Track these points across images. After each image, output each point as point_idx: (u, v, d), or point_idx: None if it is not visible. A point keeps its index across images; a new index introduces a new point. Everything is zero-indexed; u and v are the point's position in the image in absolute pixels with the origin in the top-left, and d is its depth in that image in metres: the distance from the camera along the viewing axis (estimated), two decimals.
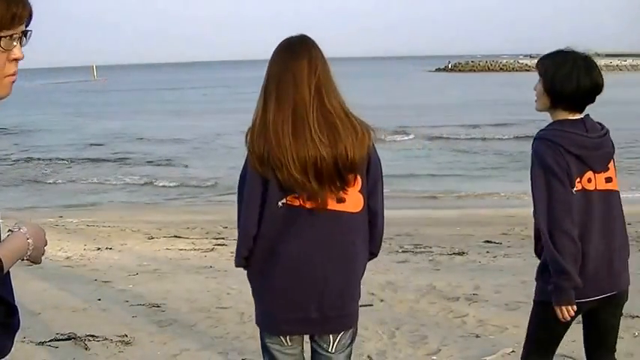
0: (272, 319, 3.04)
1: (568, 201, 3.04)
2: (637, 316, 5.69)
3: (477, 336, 5.44)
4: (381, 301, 6.49)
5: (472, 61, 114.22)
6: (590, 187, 3.14)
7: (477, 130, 30.50)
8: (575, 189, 3.08)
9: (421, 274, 7.66)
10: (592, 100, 3.16)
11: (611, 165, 3.22)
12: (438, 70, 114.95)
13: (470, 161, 22.98)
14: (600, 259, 3.18)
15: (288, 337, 3.06)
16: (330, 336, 3.06)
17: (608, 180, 3.21)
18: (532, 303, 3.41)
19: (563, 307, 3.12)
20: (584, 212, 3.12)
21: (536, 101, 3.21)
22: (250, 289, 3.13)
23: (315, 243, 2.89)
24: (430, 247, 9.64)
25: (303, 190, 2.81)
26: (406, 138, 28.69)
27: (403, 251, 9.35)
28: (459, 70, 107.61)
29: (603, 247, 3.18)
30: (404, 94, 58.18)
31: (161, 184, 19.86)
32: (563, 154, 3.05)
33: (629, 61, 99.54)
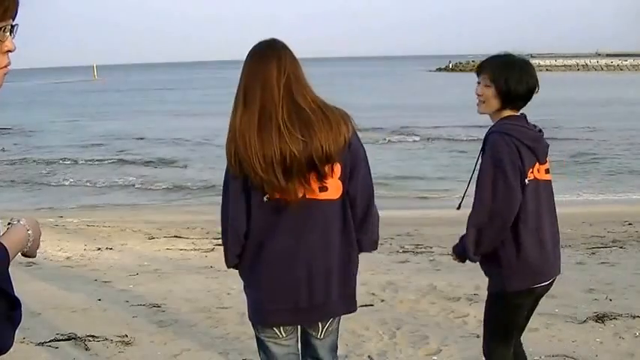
0: (263, 312, 3.08)
1: (511, 196, 3.23)
2: (637, 317, 5.69)
3: (478, 336, 5.41)
4: (382, 301, 6.49)
5: (473, 61, 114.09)
6: (539, 177, 3.36)
7: (477, 131, 30.48)
8: (527, 179, 3.28)
9: (422, 274, 7.65)
10: (530, 99, 3.43)
11: (548, 157, 3.45)
12: (439, 69, 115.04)
13: (469, 162, 22.95)
14: (551, 245, 3.40)
15: (282, 329, 3.11)
16: (319, 323, 3.14)
17: (547, 171, 3.44)
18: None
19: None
20: (537, 201, 3.33)
21: (482, 103, 3.41)
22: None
23: (299, 233, 2.95)
24: (431, 247, 9.63)
25: (272, 189, 2.87)
26: (408, 139, 28.66)
27: (404, 251, 9.35)
28: (460, 70, 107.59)
29: (551, 234, 3.41)
30: (405, 93, 58.19)
31: (161, 185, 19.85)
32: (519, 146, 3.26)
33: (630, 60, 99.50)
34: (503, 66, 3.34)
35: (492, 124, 3.42)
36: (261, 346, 3.19)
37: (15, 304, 1.81)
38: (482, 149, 3.35)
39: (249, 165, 2.84)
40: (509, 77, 3.30)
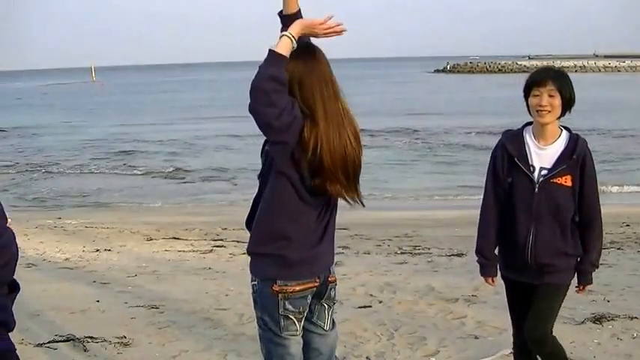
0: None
1: None
2: (635, 318, 5.70)
3: (476, 337, 5.44)
4: (380, 302, 6.49)
5: (470, 63, 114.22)
6: None
7: (475, 132, 30.49)
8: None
9: (420, 276, 7.66)
10: None
11: None
12: (437, 71, 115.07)
13: (466, 163, 22.97)
14: None
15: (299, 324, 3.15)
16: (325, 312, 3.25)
17: None
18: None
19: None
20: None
21: (549, 113, 3.61)
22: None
23: None
24: (429, 249, 9.64)
25: None
26: (404, 139, 28.67)
27: (402, 252, 9.35)
28: (458, 72, 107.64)
29: None
30: (404, 94, 58.20)
31: (159, 186, 19.85)
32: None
33: (628, 62, 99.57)
34: (562, 76, 3.65)
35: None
36: (280, 348, 3.17)
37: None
38: (571, 155, 3.65)
39: None
40: (571, 86, 3.63)
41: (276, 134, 2.89)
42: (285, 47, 2.88)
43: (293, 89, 2.93)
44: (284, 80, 2.84)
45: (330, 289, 3.26)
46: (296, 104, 2.90)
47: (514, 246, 3.77)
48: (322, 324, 3.28)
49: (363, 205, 3.14)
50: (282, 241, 3.04)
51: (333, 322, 3.37)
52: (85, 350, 5.24)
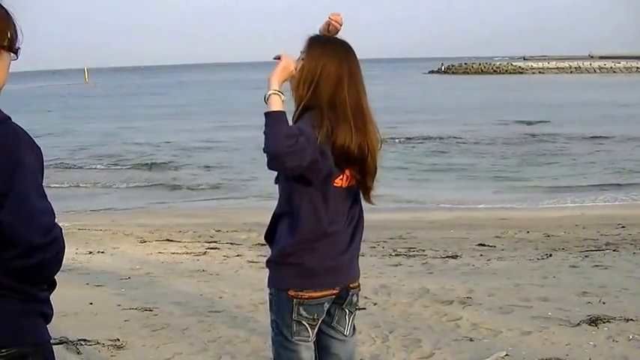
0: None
1: None
2: (631, 320, 5.68)
3: (471, 339, 5.42)
4: (375, 304, 6.47)
5: (465, 64, 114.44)
6: None
7: (471, 133, 30.54)
8: None
9: (414, 278, 7.64)
10: None
11: None
12: (432, 72, 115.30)
13: (461, 164, 23.01)
14: None
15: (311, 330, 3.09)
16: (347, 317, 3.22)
17: None
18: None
19: None
20: None
21: None
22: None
23: None
24: (424, 251, 9.63)
25: None
26: (398, 141, 28.68)
27: (396, 254, 9.34)
28: (453, 73, 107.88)
29: None
30: (402, 95, 58.26)
31: (153, 188, 19.83)
32: None
33: (623, 63, 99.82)
34: None
35: None
36: (290, 353, 3.10)
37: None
38: None
39: None
40: None
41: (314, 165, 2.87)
42: (278, 104, 2.86)
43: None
44: (297, 131, 2.79)
45: (352, 294, 3.21)
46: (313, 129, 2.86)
47: None
48: (342, 329, 3.21)
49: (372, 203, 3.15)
50: (306, 250, 3.00)
51: (354, 328, 3.30)
52: (78, 353, 5.20)
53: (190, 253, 9.70)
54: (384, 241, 10.38)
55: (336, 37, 3.11)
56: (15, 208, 2.02)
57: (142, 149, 28.43)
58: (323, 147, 2.85)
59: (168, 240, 11.00)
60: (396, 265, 8.50)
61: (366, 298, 6.60)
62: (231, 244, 10.22)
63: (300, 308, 3.03)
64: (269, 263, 3.11)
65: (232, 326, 5.78)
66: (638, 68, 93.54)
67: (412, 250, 9.74)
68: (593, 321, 5.64)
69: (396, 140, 28.22)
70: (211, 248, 10.06)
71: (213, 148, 27.64)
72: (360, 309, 6.17)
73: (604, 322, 5.62)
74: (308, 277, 3.01)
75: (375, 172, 3.07)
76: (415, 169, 22.33)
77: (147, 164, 24.42)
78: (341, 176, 2.99)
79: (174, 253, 9.67)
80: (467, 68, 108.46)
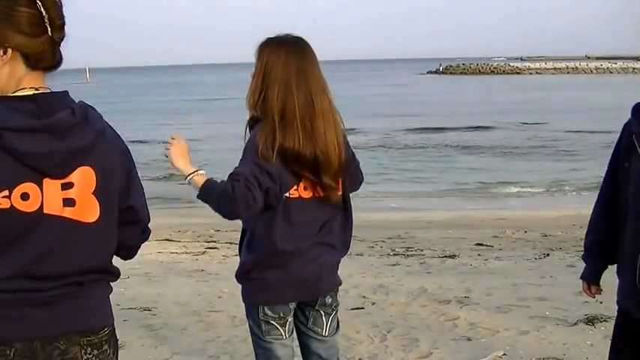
0: None
1: None
2: None
3: (469, 339, 5.44)
4: (373, 304, 6.48)
5: (463, 64, 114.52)
6: None
7: (469, 134, 30.57)
8: None
9: (412, 277, 7.65)
10: None
11: None
12: (430, 72, 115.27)
13: (458, 165, 23.03)
14: None
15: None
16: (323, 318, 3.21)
17: None
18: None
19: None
20: None
21: None
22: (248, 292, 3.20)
23: None
24: (421, 250, 9.64)
25: None
26: (396, 141, 28.71)
27: (394, 254, 9.35)
28: (451, 73, 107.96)
29: None
30: (400, 96, 58.25)
31: (153, 187, 19.81)
32: None
33: (619, 63, 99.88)
34: None
35: None
36: (265, 351, 3.15)
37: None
38: None
39: None
40: None
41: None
42: (201, 180, 3.09)
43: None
44: (230, 186, 2.91)
45: (326, 297, 3.18)
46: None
47: (623, 262, 2.95)
48: (320, 330, 3.21)
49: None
50: (264, 266, 3.06)
51: (337, 328, 3.28)
52: None
53: (189, 252, 9.71)
54: (382, 241, 10.39)
55: (286, 36, 3.02)
56: (140, 194, 2.25)
57: (142, 147, 28.40)
58: (267, 167, 2.87)
59: (167, 240, 11.00)
60: (394, 265, 8.51)
61: (364, 297, 6.62)
62: (231, 243, 10.22)
63: (265, 308, 3.09)
64: (235, 277, 3.21)
65: (231, 326, 5.78)
66: (634, 69, 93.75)
67: (410, 249, 9.76)
68: (590, 320, 5.65)
69: (397, 142, 28.25)
70: (210, 248, 10.07)
71: (212, 147, 27.63)
72: (358, 309, 6.21)
73: (601, 322, 5.63)
74: (269, 291, 3.05)
75: (341, 168, 3.01)
76: (410, 173, 22.37)
77: (146, 163, 24.39)
78: (295, 187, 2.98)
79: (173, 253, 9.68)
80: (465, 69, 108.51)
